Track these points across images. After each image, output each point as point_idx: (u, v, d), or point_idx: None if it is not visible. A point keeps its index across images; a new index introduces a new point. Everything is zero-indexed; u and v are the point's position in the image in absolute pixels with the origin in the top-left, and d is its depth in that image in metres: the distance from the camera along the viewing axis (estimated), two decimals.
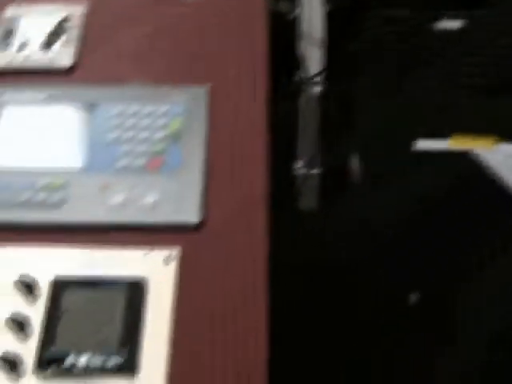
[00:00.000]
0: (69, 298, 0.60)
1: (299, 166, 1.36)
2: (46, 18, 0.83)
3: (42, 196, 0.67)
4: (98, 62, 0.80)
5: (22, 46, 0.79)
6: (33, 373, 0.56)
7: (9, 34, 0.80)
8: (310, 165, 1.36)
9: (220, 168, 0.69)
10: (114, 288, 0.60)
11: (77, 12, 0.83)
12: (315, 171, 1.36)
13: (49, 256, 0.64)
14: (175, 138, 0.71)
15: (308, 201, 1.38)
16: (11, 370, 0.56)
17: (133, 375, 0.56)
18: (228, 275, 0.62)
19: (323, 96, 1.31)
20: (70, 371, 0.56)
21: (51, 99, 0.74)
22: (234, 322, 0.59)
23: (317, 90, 1.30)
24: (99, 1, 0.85)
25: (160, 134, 0.71)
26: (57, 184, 0.68)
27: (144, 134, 0.71)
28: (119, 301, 0.59)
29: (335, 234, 1.30)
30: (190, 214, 0.65)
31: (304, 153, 1.36)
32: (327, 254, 1.27)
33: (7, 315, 0.59)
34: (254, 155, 0.70)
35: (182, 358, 0.58)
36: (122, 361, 0.56)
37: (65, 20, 0.81)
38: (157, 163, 0.69)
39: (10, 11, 0.84)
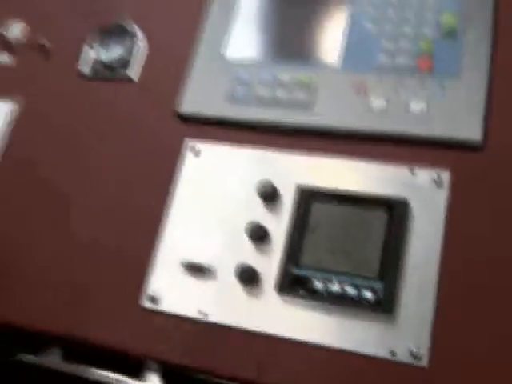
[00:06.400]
0: (318, 212, 0.51)
1: None
2: None
3: (286, 93, 0.58)
4: None
5: None
6: (275, 289, 0.49)
7: None
8: None
9: (509, 77, 0.55)
10: (373, 207, 0.50)
11: None
12: None
13: (292, 162, 0.55)
14: (449, 35, 0.58)
15: None
16: (250, 282, 0.50)
17: (390, 314, 0.47)
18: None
19: None
20: (317, 295, 0.48)
21: None
22: None
23: None
24: None
25: (429, 30, 0.58)
26: (305, 81, 0.58)
27: (409, 29, 0.59)
28: (379, 223, 0.49)
29: None
30: (469, 129, 0.52)
31: None
32: None
33: (246, 222, 0.52)
34: None
35: (451, 302, 0.47)
36: (380, 295, 0.47)
37: None
38: (427, 64, 0.57)
39: None
